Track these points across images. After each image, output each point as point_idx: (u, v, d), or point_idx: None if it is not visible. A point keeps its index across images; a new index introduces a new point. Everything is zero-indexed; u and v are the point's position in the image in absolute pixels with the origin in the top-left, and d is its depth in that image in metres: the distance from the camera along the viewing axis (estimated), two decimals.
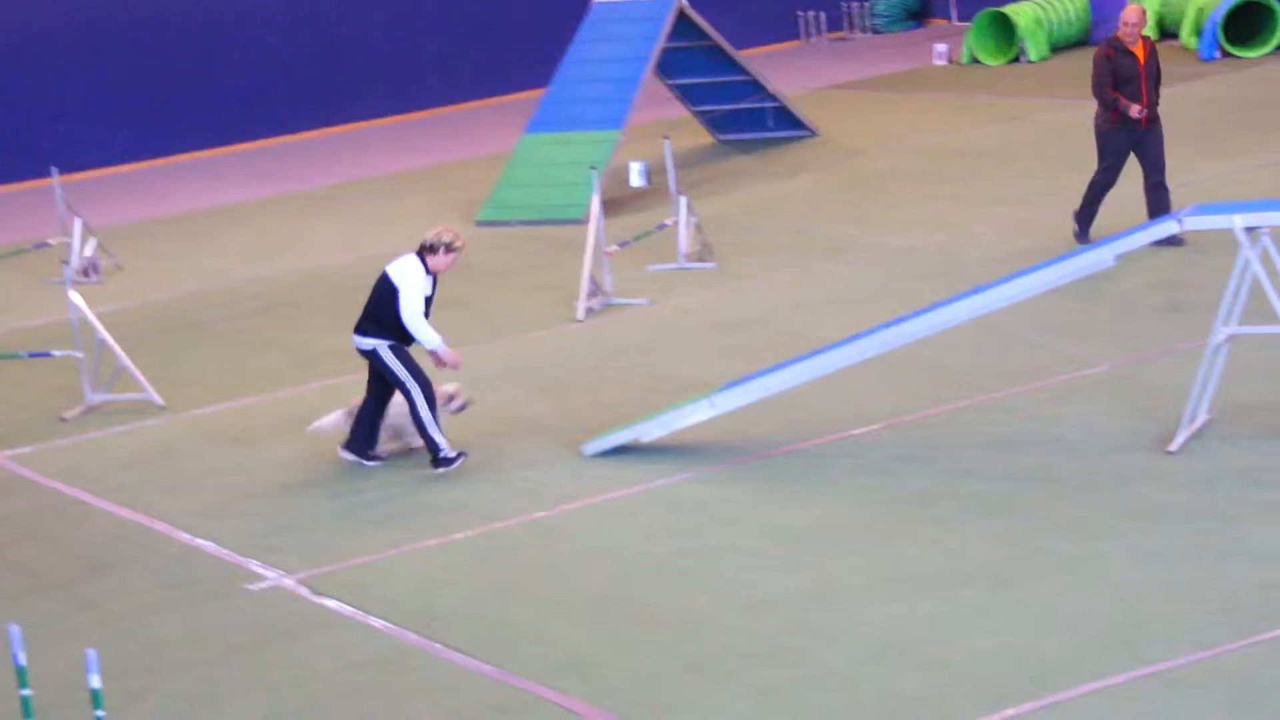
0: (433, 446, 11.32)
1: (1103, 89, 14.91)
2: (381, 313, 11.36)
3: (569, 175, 18.54)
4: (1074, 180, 17.54)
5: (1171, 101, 20.93)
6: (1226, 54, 23.30)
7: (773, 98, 21.38)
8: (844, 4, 29.79)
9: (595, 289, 15.09)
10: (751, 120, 21.70)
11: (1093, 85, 15.04)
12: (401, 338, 11.36)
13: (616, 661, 8.67)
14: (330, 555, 10.38)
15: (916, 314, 11.05)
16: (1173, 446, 10.43)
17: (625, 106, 19.42)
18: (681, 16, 20.18)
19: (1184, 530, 9.42)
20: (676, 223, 16.11)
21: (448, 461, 11.31)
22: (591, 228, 15.32)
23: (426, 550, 10.32)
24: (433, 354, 11.47)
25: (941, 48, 26.14)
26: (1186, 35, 24.09)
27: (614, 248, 15.56)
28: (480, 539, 10.41)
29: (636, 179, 17.26)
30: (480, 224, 18.98)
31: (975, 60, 25.59)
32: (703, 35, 20.58)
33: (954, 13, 29.10)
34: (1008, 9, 25.40)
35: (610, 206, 16.11)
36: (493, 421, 12.23)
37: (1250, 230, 10.29)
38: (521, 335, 14.64)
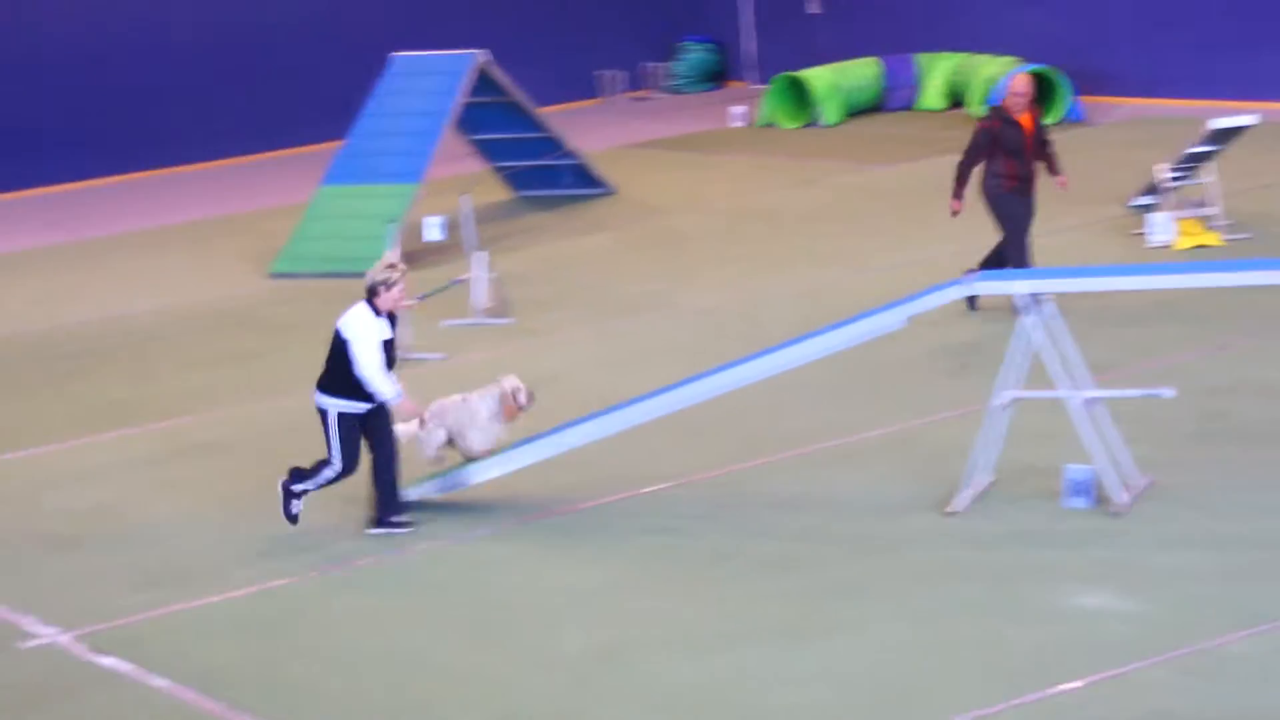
0: (296, 491, 11.00)
1: (968, 163, 14.77)
2: (337, 369, 10.96)
3: (366, 228, 18.43)
4: (866, 243, 17.86)
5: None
6: None
7: (571, 155, 21.49)
8: (644, 64, 30.06)
9: None
10: (551, 177, 21.79)
11: (964, 154, 14.88)
12: (362, 395, 10.90)
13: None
14: (110, 611, 10.16)
15: (708, 374, 11.14)
16: (953, 508, 10.62)
17: (424, 160, 19.38)
18: (482, 73, 20.22)
19: (961, 591, 9.58)
20: (474, 278, 16.09)
21: (289, 499, 11.03)
22: None
23: (210, 606, 10.14)
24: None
25: (739, 109, 26.47)
26: (974, 104, 24.65)
27: (410, 302, 15.47)
28: (266, 595, 10.26)
29: (434, 233, 17.21)
30: (274, 276, 18.80)
31: (772, 123, 25.94)
32: (502, 91, 20.63)
33: (753, 76, 29.50)
34: (804, 74, 25.80)
35: (407, 260, 16.03)
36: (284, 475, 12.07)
37: (1034, 296, 10.53)
38: (312, 389, 14.45)
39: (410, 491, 11.23)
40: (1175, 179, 16.82)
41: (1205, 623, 8.90)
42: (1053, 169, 14.99)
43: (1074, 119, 23.78)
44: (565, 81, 28.75)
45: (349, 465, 10.94)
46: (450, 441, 11.32)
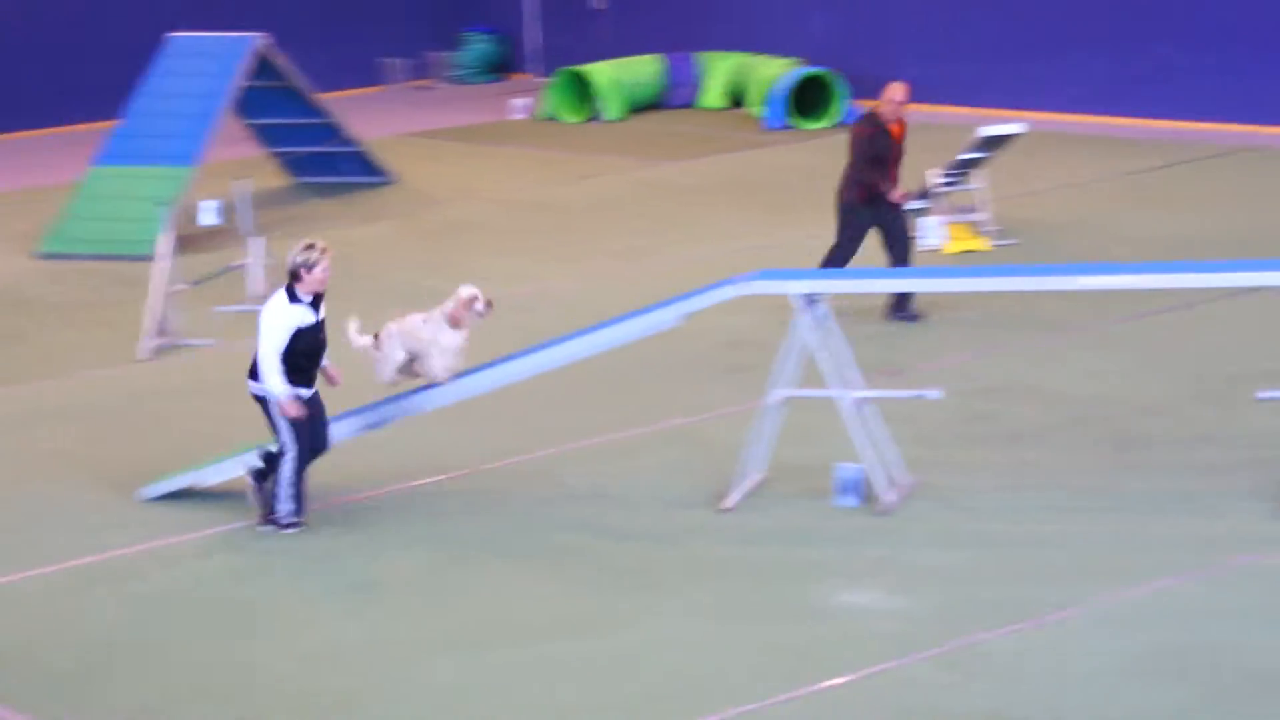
0: (275, 506, 10.59)
1: (867, 169, 14.42)
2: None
3: (139, 210, 18.06)
4: (646, 240, 17.97)
5: (741, 168, 21.71)
6: (792, 125, 24.17)
7: (350, 142, 21.29)
8: (427, 52, 29.89)
9: (161, 328, 14.75)
10: (330, 164, 21.56)
11: (854, 164, 14.53)
12: (299, 379, 10.51)
13: (167, 713, 8.46)
14: None
15: (486, 366, 11.13)
16: (726, 504, 10.74)
17: (199, 143, 19.07)
18: (262, 56, 19.95)
19: (732, 587, 9.71)
20: (249, 264, 15.86)
21: (278, 525, 10.61)
22: (159, 265, 14.98)
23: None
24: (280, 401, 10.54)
25: (521, 102, 26.45)
26: (754, 104, 24.92)
27: (182, 286, 15.23)
28: (28, 583, 10.04)
29: (208, 217, 16.94)
30: (42, 256, 18.36)
31: (554, 117, 25.96)
32: (282, 76, 20.38)
33: (536, 68, 29.50)
34: (587, 68, 25.86)
35: (181, 244, 15.78)
36: (48, 463, 11.82)
37: (808, 297, 10.69)
38: (81, 374, 14.19)
39: (179, 479, 11.05)
40: (946, 184, 17.18)
41: (967, 619, 9.12)
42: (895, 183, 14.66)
43: (850, 122, 24.08)
44: (348, 68, 28.46)
45: (304, 444, 10.52)
46: (410, 362, 11.01)
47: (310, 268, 10.48)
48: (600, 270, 16.92)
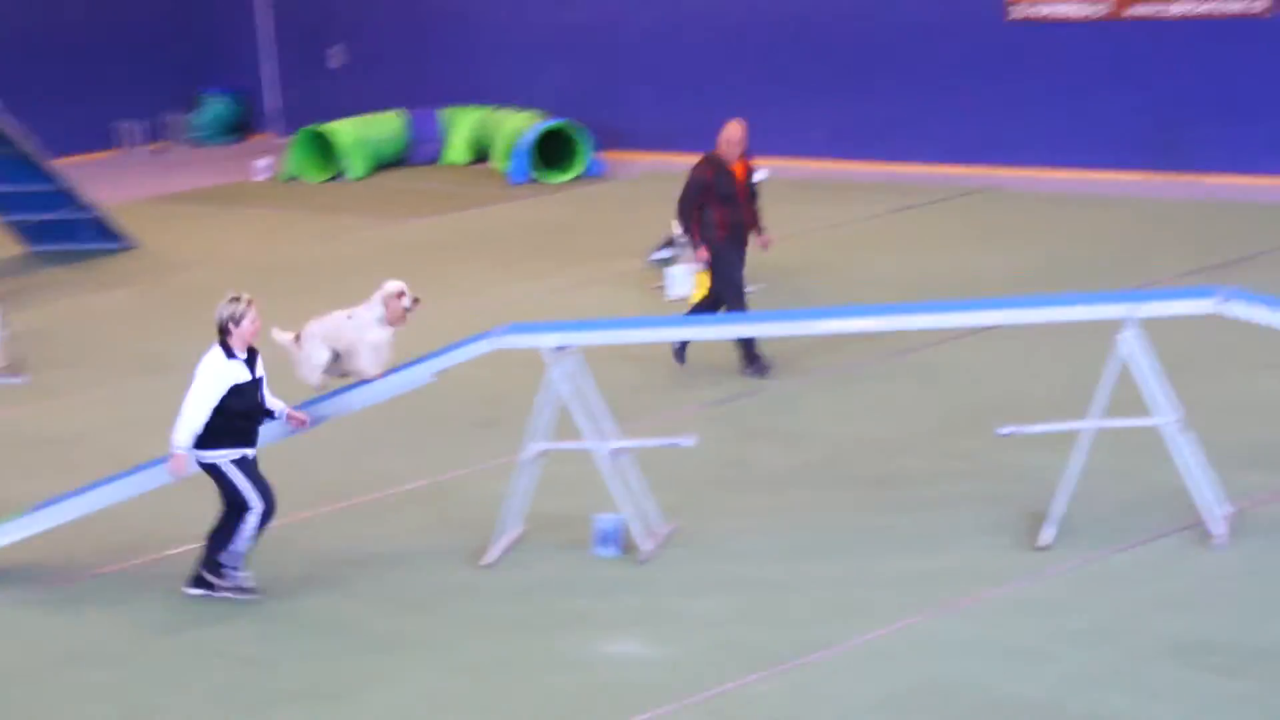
0: (221, 566, 10.25)
1: (688, 211, 14.34)
2: (209, 420, 10.21)
3: None
4: None
5: (487, 222, 21.75)
6: (536, 179, 24.28)
7: (87, 208, 20.88)
8: (163, 114, 29.45)
9: None
10: (67, 231, 21.11)
11: (680, 204, 14.47)
12: (243, 439, 10.24)
13: None
14: None
15: None
16: (486, 559, 10.73)
17: None
18: None
19: (494, 641, 9.71)
20: None
21: (215, 588, 10.30)
22: None
23: None
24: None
25: (262, 163, 26.20)
26: (498, 159, 25.00)
27: None
28: None
29: None
30: None
31: (297, 176, 25.74)
32: (11, 142, 19.92)
33: (277, 128, 29.24)
34: (328, 127, 25.70)
35: None
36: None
37: (559, 350, 10.75)
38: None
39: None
40: None
41: (727, 665, 9.22)
42: (755, 225, 14.60)
43: (595, 174, 24.35)
44: (81, 132, 27.92)
45: (269, 500, 10.26)
46: (336, 360, 10.77)
47: (238, 321, 10.27)
48: None
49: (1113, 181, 21.36)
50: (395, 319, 11.00)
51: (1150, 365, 10.32)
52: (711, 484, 11.95)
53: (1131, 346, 10.30)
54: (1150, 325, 10.38)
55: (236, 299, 10.34)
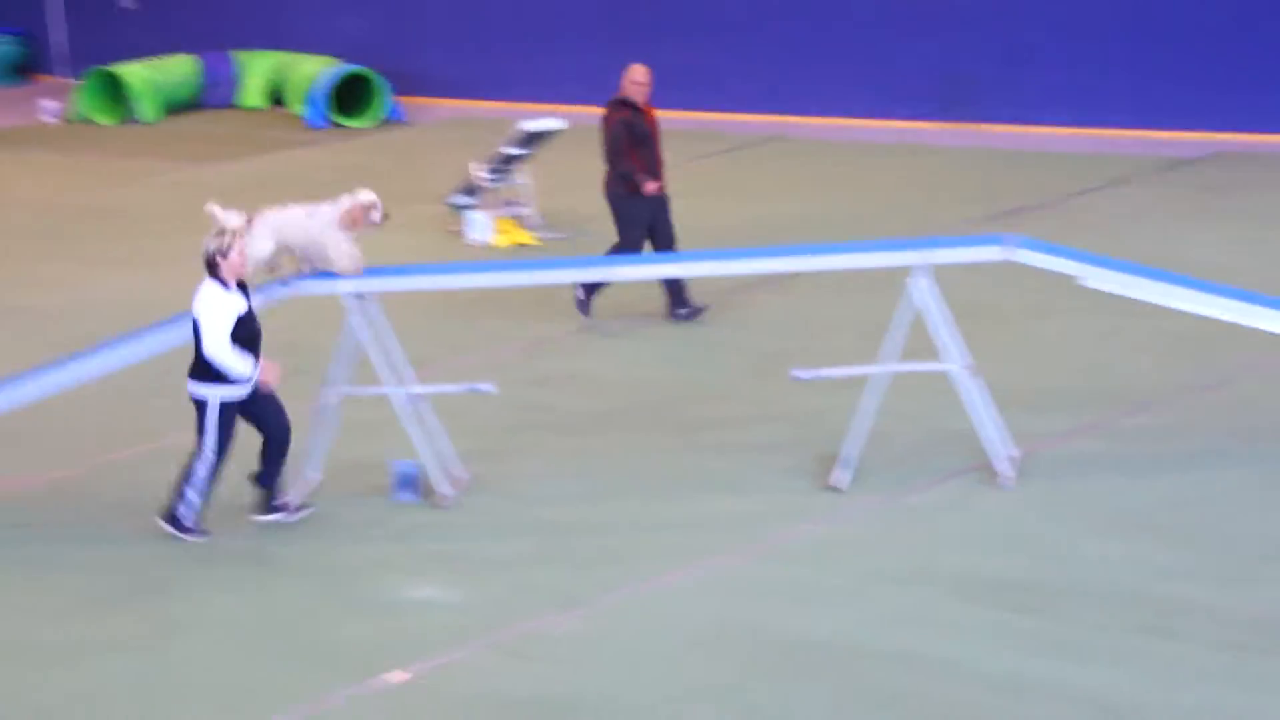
0: (181, 505, 10.10)
1: (622, 157, 13.91)
2: (200, 353, 9.95)
3: None
4: (191, 244, 17.58)
5: (283, 166, 21.49)
6: (335, 123, 24.05)
7: None
8: None
9: None
10: None
11: (608, 152, 13.99)
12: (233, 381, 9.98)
13: None
14: None
15: (21, 377, 10.78)
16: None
17: None
18: None
19: (290, 587, 9.69)
20: None
21: (181, 526, 10.13)
22: None
23: None
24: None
25: (50, 105, 25.60)
26: (295, 103, 24.70)
27: None
28: None
29: None
30: None
31: (88, 119, 25.20)
32: None
33: (64, 70, 28.58)
34: (118, 68, 25.18)
35: None
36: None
37: (359, 295, 10.68)
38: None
39: None
40: (491, 179, 17.37)
41: (525, 607, 9.28)
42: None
43: (394, 119, 24.18)
44: None
45: (223, 454, 10.07)
46: (278, 256, 10.42)
47: (225, 253, 10.00)
48: (145, 276, 16.51)
49: (901, 130, 21.72)
50: (353, 226, 10.54)
51: (941, 311, 10.53)
52: (515, 429, 11.98)
53: (923, 293, 10.50)
54: (942, 272, 10.59)
55: (222, 231, 10.08)
